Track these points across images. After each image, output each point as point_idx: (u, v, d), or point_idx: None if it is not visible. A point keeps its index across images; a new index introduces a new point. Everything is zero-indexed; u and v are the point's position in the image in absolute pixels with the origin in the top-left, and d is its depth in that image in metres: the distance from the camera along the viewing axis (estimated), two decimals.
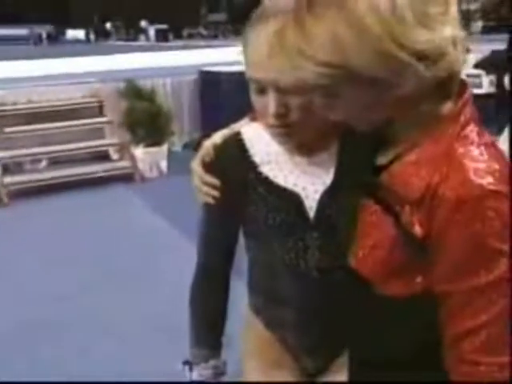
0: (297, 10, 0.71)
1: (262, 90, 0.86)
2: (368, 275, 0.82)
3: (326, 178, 0.96)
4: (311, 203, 0.97)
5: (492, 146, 0.76)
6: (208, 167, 1.01)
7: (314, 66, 0.69)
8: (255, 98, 0.89)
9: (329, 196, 0.96)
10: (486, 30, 19.05)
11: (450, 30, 0.70)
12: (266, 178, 0.99)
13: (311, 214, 0.97)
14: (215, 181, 1.00)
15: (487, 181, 0.71)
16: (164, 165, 5.46)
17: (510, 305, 0.73)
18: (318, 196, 0.97)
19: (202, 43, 13.55)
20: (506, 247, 0.71)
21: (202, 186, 1.02)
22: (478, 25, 21.35)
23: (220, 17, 21.06)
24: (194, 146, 6.07)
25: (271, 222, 0.98)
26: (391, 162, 0.80)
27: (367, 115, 0.76)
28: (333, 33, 0.67)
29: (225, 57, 7.64)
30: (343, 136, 0.92)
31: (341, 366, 1.00)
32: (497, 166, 0.72)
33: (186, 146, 6.26)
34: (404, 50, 0.67)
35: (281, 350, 1.10)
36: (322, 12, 0.68)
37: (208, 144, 1.03)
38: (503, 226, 0.71)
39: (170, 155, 5.57)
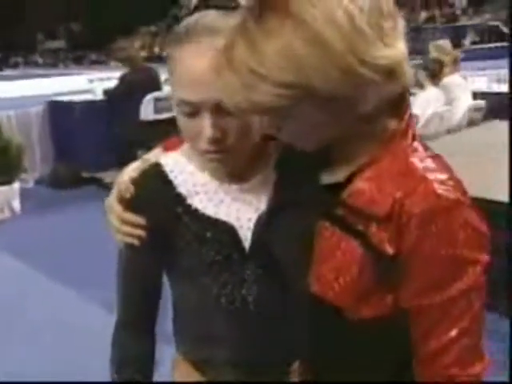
0: (244, 26, 0.67)
1: (193, 113, 0.81)
2: (334, 301, 0.78)
3: (258, 205, 0.91)
4: (246, 233, 0.91)
5: (437, 157, 0.77)
6: (128, 204, 0.91)
7: (270, 86, 0.66)
8: (185, 123, 0.83)
9: (264, 223, 0.90)
10: None
11: (402, 45, 0.70)
12: (196, 211, 0.91)
13: (246, 244, 0.91)
14: (138, 219, 0.90)
15: (449, 192, 0.71)
16: (16, 204, 5.00)
17: (481, 311, 0.74)
18: (251, 225, 0.91)
19: (41, 72, 12.78)
20: (474, 255, 0.72)
21: (123, 225, 0.91)
22: None
23: (58, 44, 20.00)
24: (47, 182, 5.68)
25: (204, 256, 0.91)
26: (347, 181, 0.77)
27: (320, 134, 0.74)
28: (290, 50, 0.64)
29: (71, 85, 7.28)
30: (281, 157, 0.89)
31: None
32: (450, 176, 0.74)
33: (38, 182, 5.81)
34: (365, 66, 0.65)
35: None
36: (274, 27, 0.65)
37: (124, 179, 0.93)
38: (470, 234, 0.71)
39: (23, 193, 5.13)
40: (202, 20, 0.80)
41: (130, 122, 5.42)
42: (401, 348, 0.79)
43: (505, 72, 5.88)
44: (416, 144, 0.77)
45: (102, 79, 7.36)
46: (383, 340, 0.80)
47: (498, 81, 6.05)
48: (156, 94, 5.63)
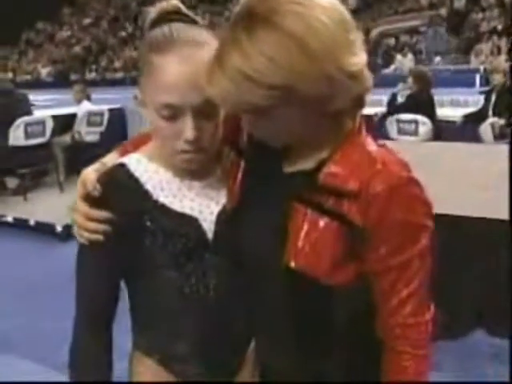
0: (234, 36, 0.78)
1: (173, 117, 0.90)
2: (313, 272, 0.88)
3: (219, 198, 1.01)
4: (209, 225, 1.00)
5: (385, 146, 0.92)
6: (95, 202, 0.95)
7: (260, 88, 0.77)
8: (164, 125, 0.91)
9: (226, 215, 1.00)
10: None
11: (364, 54, 0.84)
12: (163, 206, 0.98)
13: (209, 235, 1.00)
14: (105, 214, 0.94)
15: (402, 172, 0.87)
16: None
17: (427, 271, 0.90)
18: (214, 217, 1.00)
19: None
20: (426, 222, 0.87)
21: (88, 222, 0.94)
22: None
23: None
24: None
25: (171, 249, 0.97)
26: (317, 168, 0.89)
27: (293, 129, 0.85)
28: (277, 57, 0.75)
29: None
30: (248, 151, 0.99)
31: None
32: (399, 159, 0.89)
33: None
34: (340, 72, 0.79)
35: None
36: (263, 37, 0.76)
37: (90, 178, 0.96)
38: (421, 204, 0.87)
39: None
40: (179, 32, 0.91)
41: None
42: (361, 306, 0.93)
43: None
44: (369, 137, 0.92)
45: None
46: (351, 301, 0.93)
47: None
48: (26, 118, 5.35)
